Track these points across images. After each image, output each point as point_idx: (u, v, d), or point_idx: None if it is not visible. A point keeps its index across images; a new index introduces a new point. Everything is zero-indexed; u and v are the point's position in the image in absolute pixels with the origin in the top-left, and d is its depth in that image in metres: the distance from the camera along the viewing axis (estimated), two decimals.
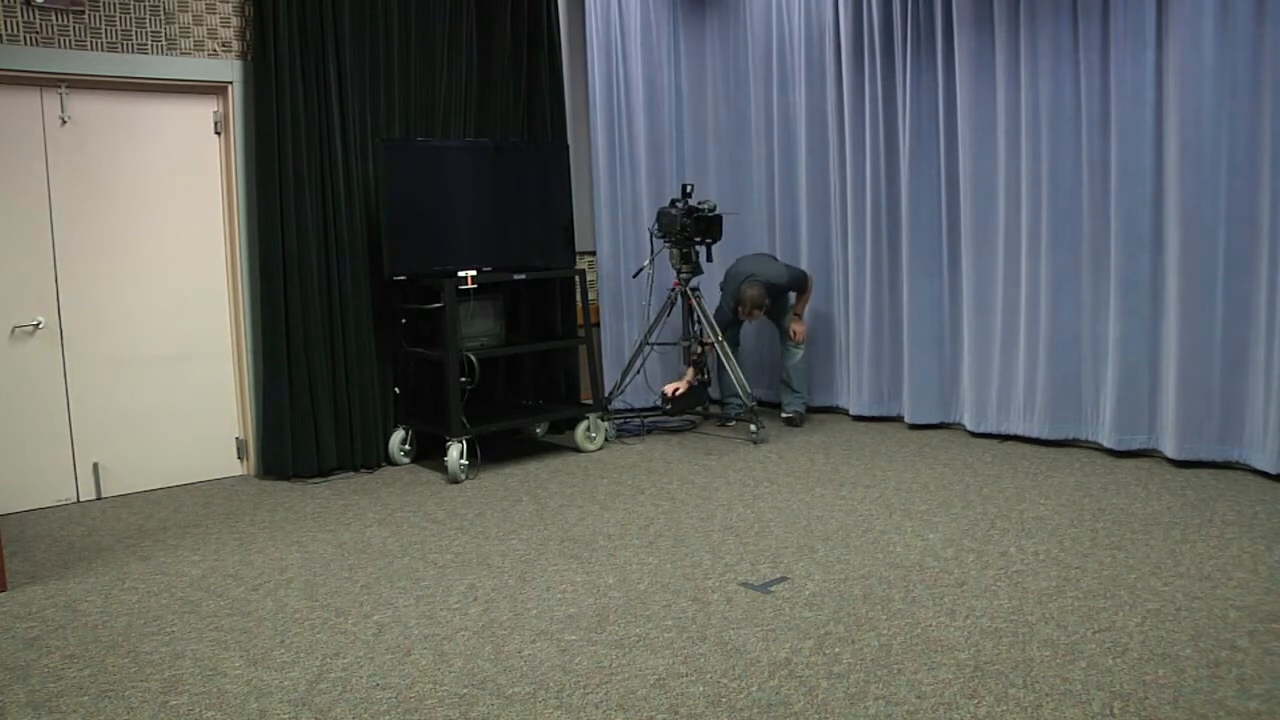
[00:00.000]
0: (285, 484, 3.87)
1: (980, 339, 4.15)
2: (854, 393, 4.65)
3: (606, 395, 4.61)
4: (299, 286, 3.90)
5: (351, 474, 3.99)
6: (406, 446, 4.15)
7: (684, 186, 4.39)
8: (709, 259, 4.47)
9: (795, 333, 4.45)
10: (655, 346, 4.74)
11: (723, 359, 4.38)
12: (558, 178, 4.31)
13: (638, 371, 4.64)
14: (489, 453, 4.17)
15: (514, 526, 3.26)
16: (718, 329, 4.37)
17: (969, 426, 4.22)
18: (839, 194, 4.60)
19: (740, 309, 4.37)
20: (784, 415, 4.57)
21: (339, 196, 3.95)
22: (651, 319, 4.68)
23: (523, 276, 4.11)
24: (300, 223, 3.89)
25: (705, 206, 4.35)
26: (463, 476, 3.85)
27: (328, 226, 3.95)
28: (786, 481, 3.68)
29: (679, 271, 4.46)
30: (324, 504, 3.60)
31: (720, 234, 4.42)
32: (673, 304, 4.51)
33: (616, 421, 4.62)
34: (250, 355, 3.95)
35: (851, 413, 4.68)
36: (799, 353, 4.54)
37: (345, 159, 3.99)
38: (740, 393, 4.39)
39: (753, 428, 4.29)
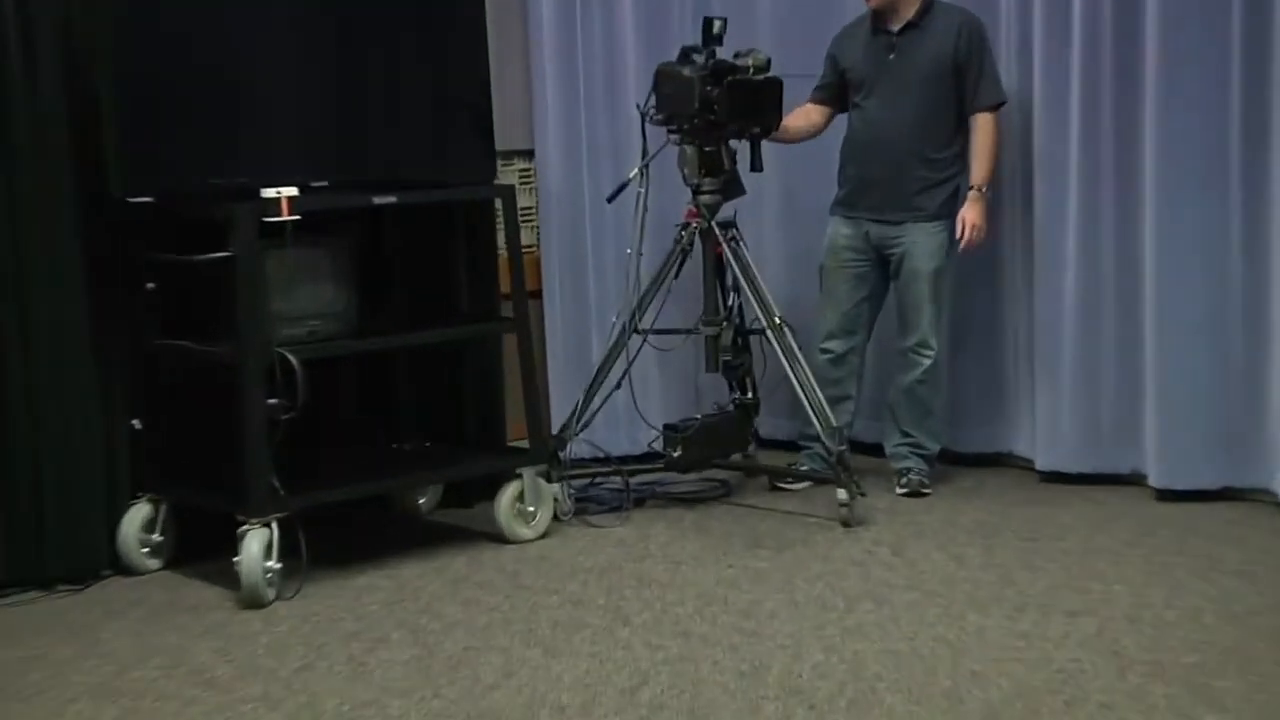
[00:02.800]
0: None
1: None
2: (1043, 430, 4.81)
3: (557, 431, 4.66)
4: None
5: (36, 595, 3.99)
6: (155, 537, 4.16)
7: (709, 23, 4.46)
8: (757, 167, 4.57)
9: (966, 225, 4.60)
10: (650, 336, 4.74)
11: (786, 365, 4.47)
12: (460, 15, 4.36)
13: (618, 386, 4.67)
14: (326, 547, 4.10)
15: (373, 692, 3.25)
16: (772, 308, 4.51)
17: None
18: (1013, 26, 4.72)
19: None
20: (899, 483, 4.71)
21: (6, 52, 3.92)
22: (643, 283, 4.63)
23: (391, 200, 4.17)
24: None
25: (751, 63, 4.43)
26: (271, 595, 3.84)
27: None
28: (908, 601, 3.73)
29: (697, 191, 4.53)
30: None
31: (778, 116, 4.48)
32: (684, 254, 4.61)
33: (575, 484, 4.68)
34: None
35: (1038, 466, 4.85)
36: (925, 357, 4.68)
37: None
38: (819, 428, 4.47)
39: (841, 495, 4.35)
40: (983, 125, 4.54)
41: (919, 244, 4.58)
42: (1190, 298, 4.38)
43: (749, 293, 4.55)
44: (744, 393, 4.81)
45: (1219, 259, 4.37)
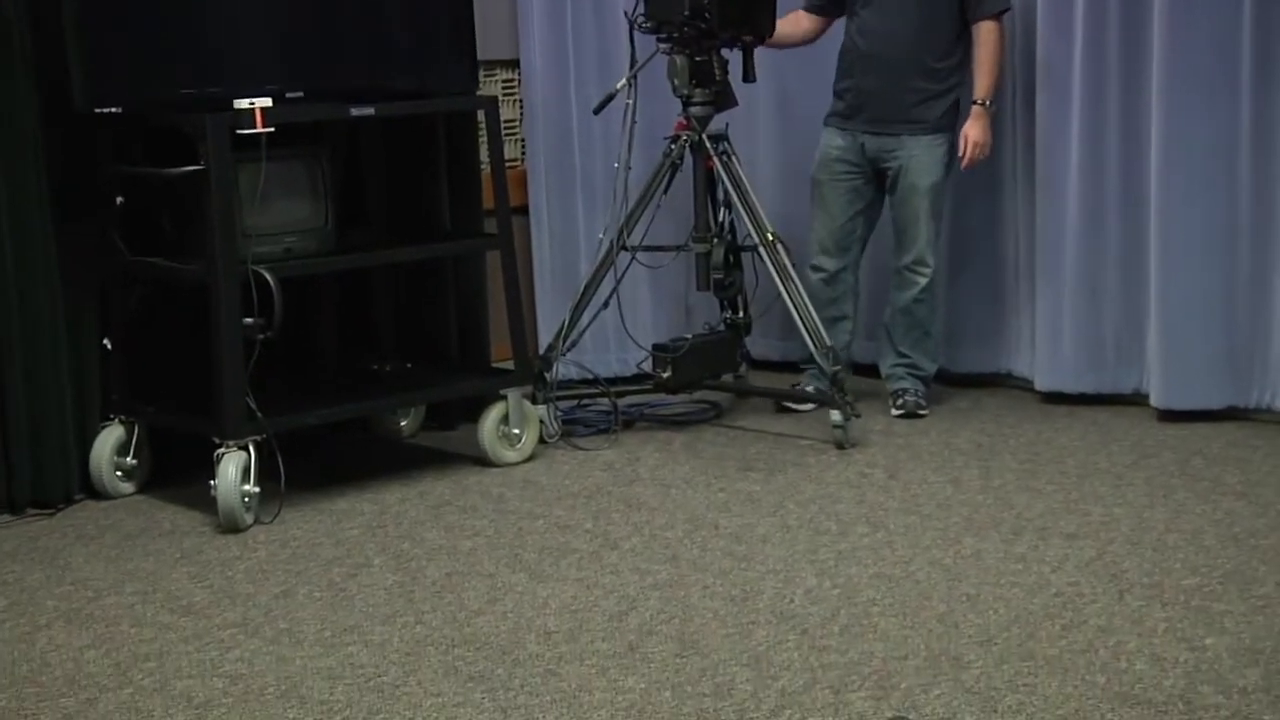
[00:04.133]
0: None
1: None
2: (1043, 349, 4.83)
3: (543, 352, 4.67)
4: None
5: (8, 520, 4.01)
6: (129, 460, 4.17)
7: None
8: (750, 77, 4.54)
9: (969, 142, 4.57)
10: (639, 254, 4.74)
11: (780, 284, 4.48)
12: None
13: (605, 306, 4.70)
14: (305, 471, 4.13)
15: (354, 618, 3.26)
16: (765, 224, 4.51)
17: None
18: None
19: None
20: (895, 405, 4.73)
21: None
22: (631, 198, 4.65)
23: (369, 111, 4.15)
24: None
25: None
26: (249, 519, 3.86)
27: None
28: (904, 524, 3.76)
29: (688, 102, 4.52)
30: None
31: (772, 23, 4.45)
32: (674, 168, 4.60)
33: (562, 406, 4.69)
34: None
35: (1037, 386, 4.88)
36: (922, 276, 4.68)
37: None
38: (812, 348, 4.49)
39: (835, 416, 4.38)
40: (985, 35, 4.48)
41: (917, 158, 4.55)
42: (1196, 213, 4.36)
43: (740, 208, 4.52)
44: (735, 312, 4.80)
45: (1226, 172, 4.35)
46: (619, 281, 4.63)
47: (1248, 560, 3.37)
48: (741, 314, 4.80)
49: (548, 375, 4.58)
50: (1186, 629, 3.00)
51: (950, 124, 4.58)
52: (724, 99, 4.53)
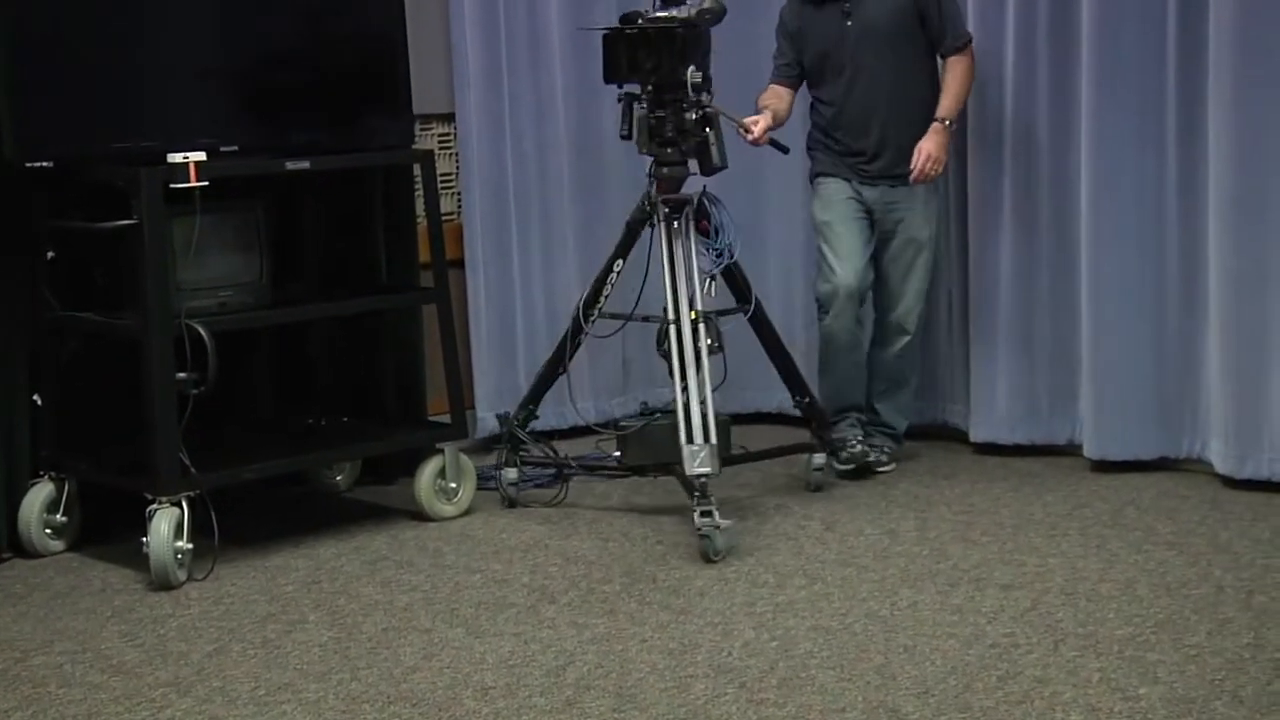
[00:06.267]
0: None
1: (1248, 286, 4.27)
2: (977, 401, 4.85)
3: (514, 413, 4.50)
4: None
5: None
6: (58, 517, 4.13)
7: None
8: (628, 133, 4.19)
9: (921, 154, 4.41)
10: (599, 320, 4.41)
11: (692, 362, 4.07)
12: None
13: (563, 371, 4.48)
14: (239, 526, 4.10)
15: (288, 676, 3.24)
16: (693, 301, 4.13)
17: (1220, 468, 4.41)
18: None
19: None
20: (842, 457, 4.56)
21: None
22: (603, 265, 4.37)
23: (304, 165, 4.15)
24: None
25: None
26: (181, 576, 3.83)
27: None
28: (840, 576, 3.76)
29: (654, 169, 4.21)
30: None
31: (672, 66, 4.05)
32: (631, 231, 4.31)
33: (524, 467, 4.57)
34: None
35: (972, 438, 4.91)
36: (909, 331, 4.64)
37: None
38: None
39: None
40: (954, 65, 4.46)
41: (915, 210, 4.52)
42: (1126, 269, 4.43)
43: (666, 280, 4.13)
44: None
45: (1155, 230, 4.42)
46: (577, 347, 4.41)
47: (1180, 609, 3.40)
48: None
49: (515, 431, 4.40)
50: (1121, 679, 3.02)
51: (943, 173, 4.56)
52: (703, 160, 4.14)
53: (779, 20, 4.58)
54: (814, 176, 4.60)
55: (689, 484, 3.98)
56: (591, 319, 4.32)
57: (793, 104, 4.55)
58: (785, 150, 4.38)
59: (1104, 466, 4.54)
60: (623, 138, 4.19)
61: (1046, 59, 4.54)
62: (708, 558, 3.87)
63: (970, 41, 4.46)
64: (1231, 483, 4.31)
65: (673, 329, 4.06)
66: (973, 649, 3.21)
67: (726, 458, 4.21)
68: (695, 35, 4.07)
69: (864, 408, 4.66)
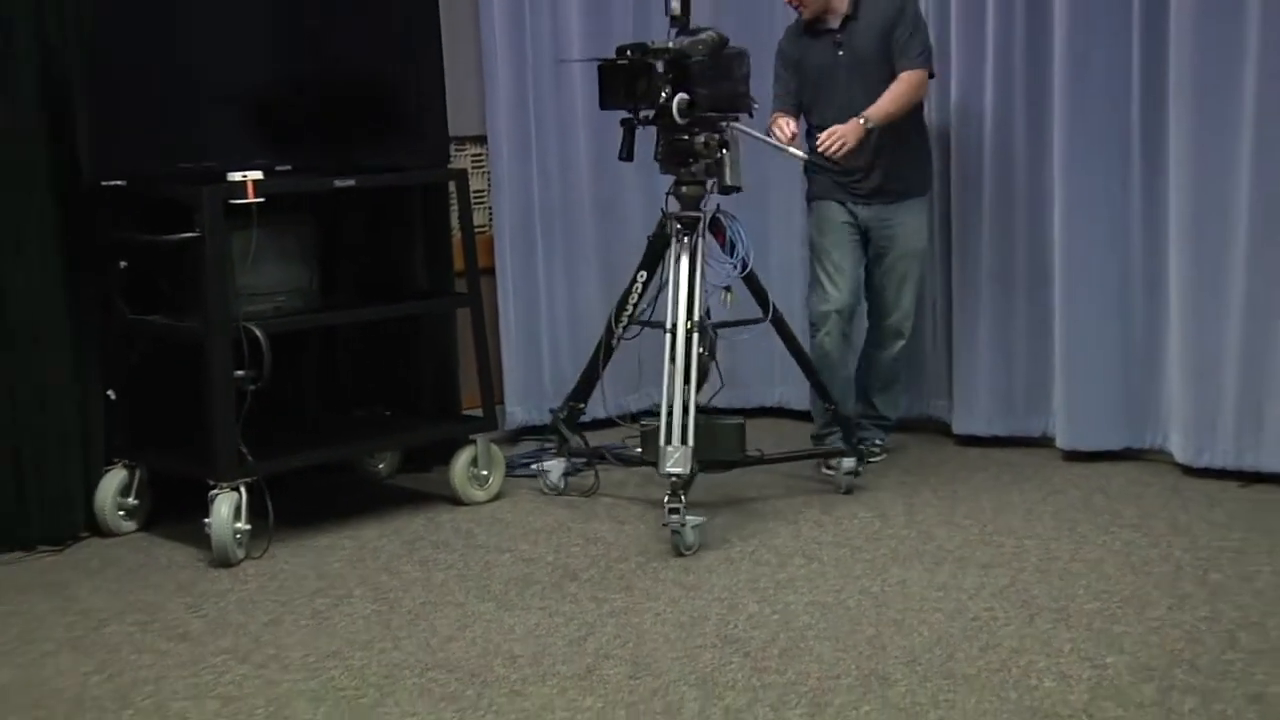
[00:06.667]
0: None
1: (1204, 300, 4.27)
2: (960, 397, 4.82)
3: (562, 409, 4.33)
4: None
5: (19, 556, 3.96)
6: (130, 501, 4.13)
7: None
8: (625, 155, 4.08)
9: (835, 133, 4.15)
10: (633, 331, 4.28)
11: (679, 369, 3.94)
12: (415, 7, 4.35)
13: (599, 375, 4.34)
14: (291, 509, 4.09)
15: (336, 644, 3.24)
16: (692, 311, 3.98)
17: (1180, 457, 4.40)
18: (937, 23, 4.66)
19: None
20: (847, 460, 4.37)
21: None
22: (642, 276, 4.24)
23: (351, 183, 4.14)
24: None
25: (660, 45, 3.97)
26: (240, 554, 3.83)
27: None
28: (835, 556, 3.75)
29: (673, 187, 4.11)
30: None
31: (647, 97, 3.92)
32: (653, 246, 4.17)
33: (518, 451, 4.63)
34: None
35: (955, 430, 4.87)
36: (904, 336, 4.50)
37: None
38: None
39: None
40: (900, 78, 4.22)
41: (905, 224, 4.39)
42: (1096, 276, 4.43)
43: (670, 289, 4.05)
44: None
45: (1122, 241, 4.41)
46: (610, 352, 4.27)
47: (1143, 586, 3.40)
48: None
49: (569, 424, 4.29)
50: (1090, 649, 3.02)
51: (929, 187, 4.49)
52: (719, 179, 4.02)
53: (778, 51, 4.47)
54: (810, 199, 4.49)
55: (706, 469, 3.96)
56: (622, 325, 4.24)
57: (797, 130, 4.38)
58: (805, 157, 4.26)
59: (1075, 456, 4.52)
60: (620, 159, 4.06)
61: (1022, 88, 4.50)
62: (679, 551, 3.74)
63: (925, 67, 4.27)
64: (1190, 471, 4.29)
65: (668, 337, 3.95)
66: (955, 622, 3.21)
67: (741, 460, 4.11)
68: (686, 65, 3.92)
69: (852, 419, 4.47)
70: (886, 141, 4.28)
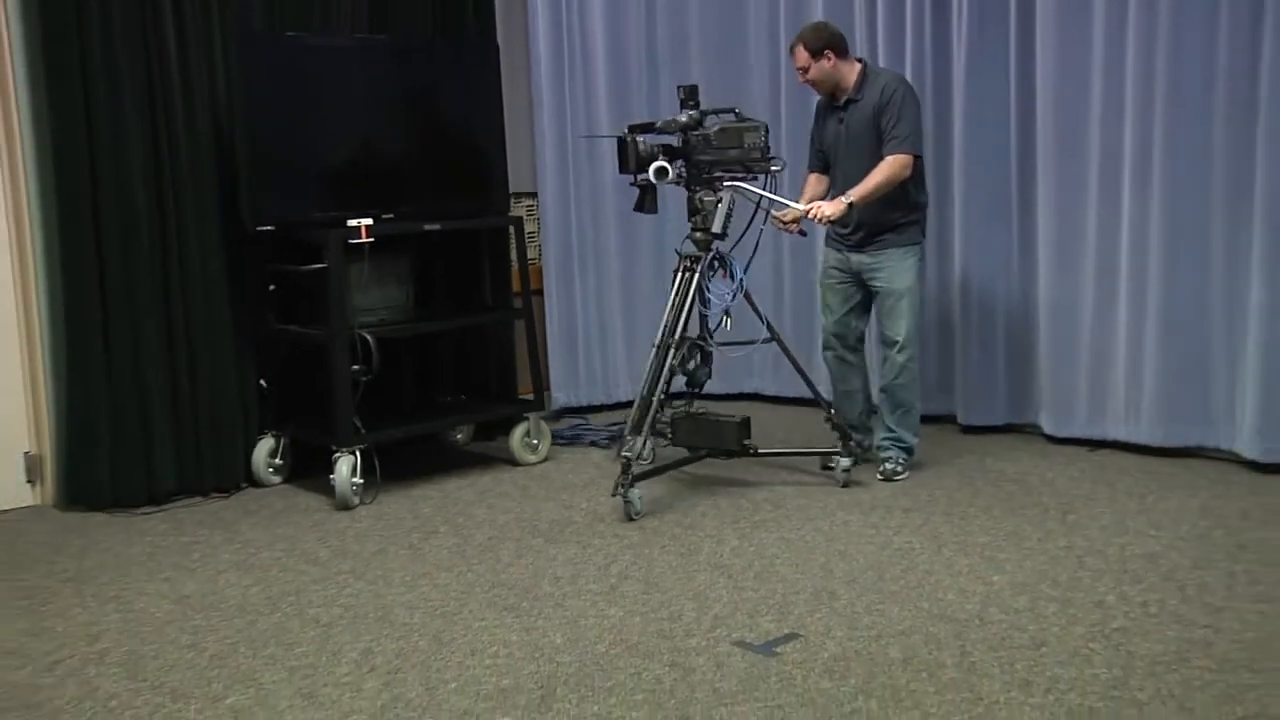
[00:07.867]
0: (100, 517, 3.80)
1: (1063, 311, 4.18)
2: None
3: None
4: (118, 234, 3.78)
5: (198, 500, 3.97)
6: (277, 461, 4.15)
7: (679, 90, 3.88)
8: (637, 208, 3.87)
9: (820, 210, 3.78)
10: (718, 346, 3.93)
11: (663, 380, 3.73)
12: (485, 89, 4.32)
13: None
14: (393, 468, 4.05)
15: (426, 568, 3.27)
16: (676, 331, 3.75)
17: (1047, 429, 4.27)
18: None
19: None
20: (878, 470, 3.99)
21: (174, 108, 3.87)
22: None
23: (437, 226, 4.11)
24: (118, 140, 3.75)
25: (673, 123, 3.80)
26: (356, 501, 3.85)
27: (159, 149, 3.86)
28: (796, 505, 3.71)
29: (690, 232, 3.88)
30: (156, 544, 3.56)
31: (630, 168, 3.75)
32: (678, 279, 3.86)
33: (561, 428, 4.53)
34: (46, 331, 3.82)
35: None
36: (900, 358, 3.92)
37: (182, 55, 3.88)
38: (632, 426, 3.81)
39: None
40: (885, 161, 3.76)
41: (892, 268, 3.88)
42: (1069, 283, 4.12)
43: (669, 309, 3.84)
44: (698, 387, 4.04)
45: (1098, 252, 4.05)
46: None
47: (1019, 524, 3.41)
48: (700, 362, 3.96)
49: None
50: (981, 570, 3.06)
51: (918, 239, 3.92)
52: (708, 228, 3.81)
53: (814, 113, 4.09)
54: (825, 240, 4.10)
55: (729, 453, 3.83)
56: (668, 344, 3.78)
57: (828, 186, 4.00)
58: (804, 234, 4.07)
59: (970, 430, 4.35)
60: (634, 210, 3.88)
61: (1016, 117, 4.19)
62: (629, 516, 3.56)
63: (908, 151, 3.76)
64: (1053, 439, 4.18)
65: (654, 349, 3.77)
66: (884, 551, 3.24)
67: (739, 450, 3.85)
68: (687, 138, 3.75)
69: (860, 427, 4.09)
70: (871, 205, 3.80)
